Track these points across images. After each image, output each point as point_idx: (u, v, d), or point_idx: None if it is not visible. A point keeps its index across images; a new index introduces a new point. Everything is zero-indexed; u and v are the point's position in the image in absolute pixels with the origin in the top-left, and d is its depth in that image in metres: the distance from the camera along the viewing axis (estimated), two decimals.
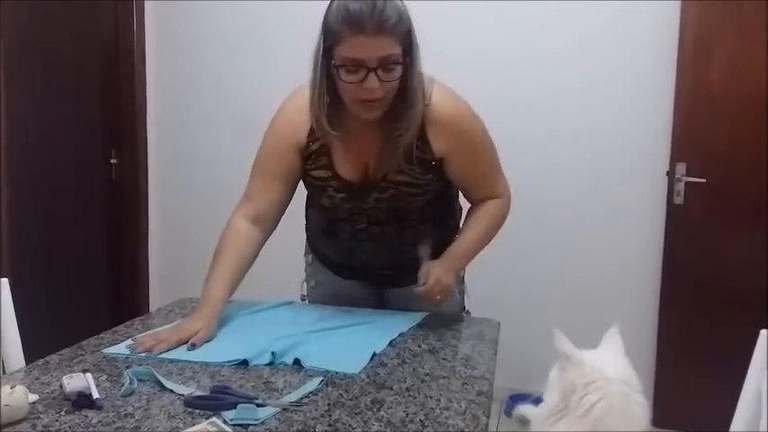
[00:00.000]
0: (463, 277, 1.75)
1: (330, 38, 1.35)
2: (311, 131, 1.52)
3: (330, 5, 1.37)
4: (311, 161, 1.54)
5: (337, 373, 1.20)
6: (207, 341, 1.36)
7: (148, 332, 1.41)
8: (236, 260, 1.51)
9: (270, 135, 1.60)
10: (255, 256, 1.56)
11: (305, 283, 1.80)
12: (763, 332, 1.09)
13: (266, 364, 1.24)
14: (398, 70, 1.37)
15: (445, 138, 1.49)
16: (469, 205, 1.66)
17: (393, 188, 1.52)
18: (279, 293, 1.79)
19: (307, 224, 1.74)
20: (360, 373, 1.21)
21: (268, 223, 1.57)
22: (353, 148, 1.52)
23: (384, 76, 1.35)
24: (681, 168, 2.77)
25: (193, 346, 1.32)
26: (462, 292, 1.74)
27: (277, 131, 1.58)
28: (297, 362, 1.24)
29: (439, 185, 1.56)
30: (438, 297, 1.49)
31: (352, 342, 1.38)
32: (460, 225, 1.68)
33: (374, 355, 1.30)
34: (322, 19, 1.38)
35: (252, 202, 1.57)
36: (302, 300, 1.80)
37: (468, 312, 1.74)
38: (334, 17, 1.33)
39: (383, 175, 1.52)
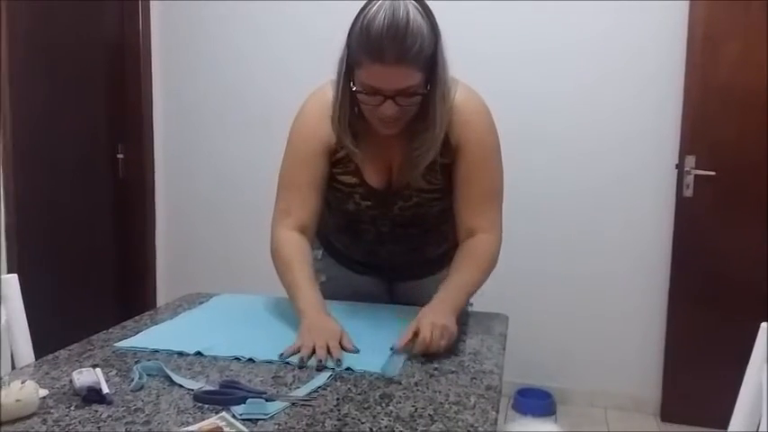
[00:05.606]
0: None
1: (351, 58, 1.31)
2: None
3: (356, 20, 1.29)
4: (341, 165, 1.49)
5: (373, 374, 1.16)
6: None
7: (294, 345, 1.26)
8: (309, 267, 1.44)
9: (296, 142, 1.50)
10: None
11: None
12: (763, 325, 1.08)
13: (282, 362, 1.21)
14: (418, 96, 1.33)
15: (461, 131, 1.44)
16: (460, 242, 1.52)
17: (416, 195, 1.49)
18: (280, 288, 1.77)
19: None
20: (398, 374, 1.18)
21: (309, 234, 1.50)
22: (378, 154, 1.47)
23: (402, 102, 1.31)
24: (690, 161, 2.76)
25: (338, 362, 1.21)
26: None
27: (304, 138, 1.49)
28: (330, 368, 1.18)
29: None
30: (443, 343, 1.27)
31: (383, 343, 1.33)
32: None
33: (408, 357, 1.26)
34: (348, 31, 1.31)
35: (291, 216, 1.47)
36: None
37: (470, 304, 1.72)
38: (356, 39, 1.28)
39: (406, 184, 1.48)
